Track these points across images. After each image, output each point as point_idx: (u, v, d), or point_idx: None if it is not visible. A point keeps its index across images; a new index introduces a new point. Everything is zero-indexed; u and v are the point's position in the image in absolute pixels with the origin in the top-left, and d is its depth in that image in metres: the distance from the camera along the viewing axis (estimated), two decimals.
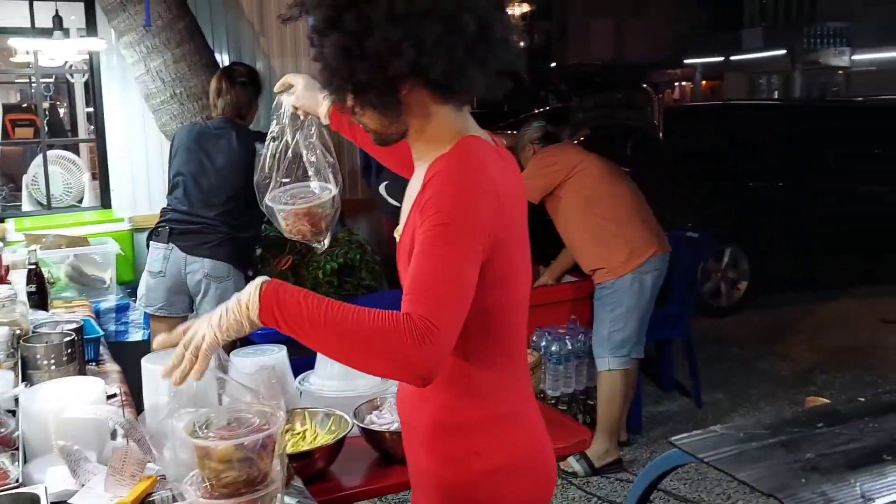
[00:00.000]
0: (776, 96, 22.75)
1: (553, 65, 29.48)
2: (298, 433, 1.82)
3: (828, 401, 2.19)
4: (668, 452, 1.71)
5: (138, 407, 1.99)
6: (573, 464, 3.48)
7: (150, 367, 1.87)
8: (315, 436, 1.81)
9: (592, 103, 5.51)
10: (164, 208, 3.45)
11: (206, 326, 1.25)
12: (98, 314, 3.42)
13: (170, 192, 3.46)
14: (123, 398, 2.20)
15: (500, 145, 1.45)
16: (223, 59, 4.28)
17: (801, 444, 1.65)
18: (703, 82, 27.36)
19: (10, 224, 3.94)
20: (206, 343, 1.25)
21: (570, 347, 3.62)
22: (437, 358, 1.17)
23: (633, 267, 3.46)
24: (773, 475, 1.53)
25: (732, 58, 24.25)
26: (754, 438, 1.68)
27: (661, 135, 5.07)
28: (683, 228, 4.71)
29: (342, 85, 1.30)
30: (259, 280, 1.24)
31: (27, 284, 2.75)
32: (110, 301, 3.60)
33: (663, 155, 5.57)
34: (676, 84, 28.54)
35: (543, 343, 3.62)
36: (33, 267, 2.77)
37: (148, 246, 3.38)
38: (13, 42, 4.23)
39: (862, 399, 1.95)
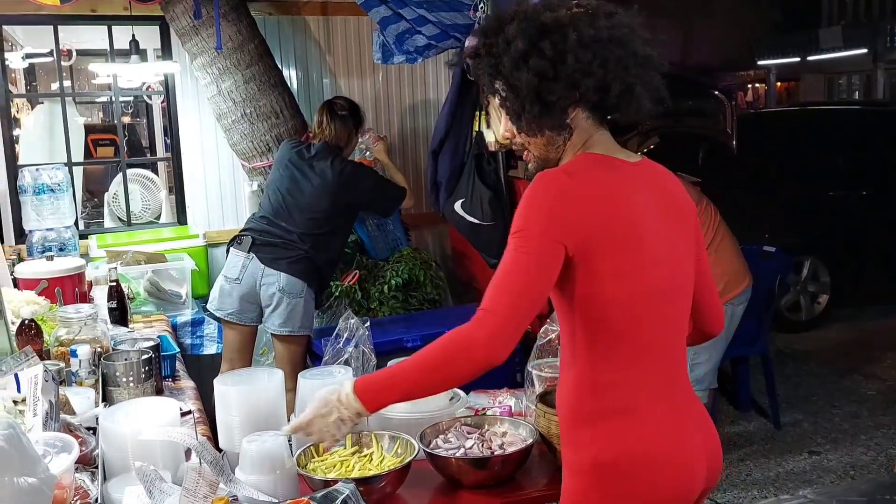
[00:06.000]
0: (856, 97, 21.85)
1: None
2: (366, 455, 1.83)
3: None
4: None
5: (212, 422, 2.04)
6: None
7: (222, 389, 1.91)
8: (382, 458, 1.81)
9: (661, 110, 5.35)
10: (251, 216, 3.55)
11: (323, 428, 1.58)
12: (175, 328, 3.52)
13: (261, 203, 3.56)
14: (197, 415, 2.26)
15: (629, 159, 1.54)
16: (291, 78, 4.36)
17: None
18: (778, 84, 26.49)
19: (92, 241, 4.09)
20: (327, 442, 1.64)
21: None
22: (492, 336, 1.36)
23: (727, 298, 3.31)
24: None
25: (809, 58, 23.37)
26: None
27: (734, 143, 4.89)
28: (760, 242, 4.55)
29: (530, 109, 1.45)
30: (346, 389, 1.52)
31: (108, 300, 2.84)
32: (186, 315, 3.71)
33: (737, 164, 5.41)
34: (749, 87, 27.67)
35: None
36: (114, 283, 2.87)
37: (228, 251, 3.47)
38: (94, 66, 4.41)
39: None
